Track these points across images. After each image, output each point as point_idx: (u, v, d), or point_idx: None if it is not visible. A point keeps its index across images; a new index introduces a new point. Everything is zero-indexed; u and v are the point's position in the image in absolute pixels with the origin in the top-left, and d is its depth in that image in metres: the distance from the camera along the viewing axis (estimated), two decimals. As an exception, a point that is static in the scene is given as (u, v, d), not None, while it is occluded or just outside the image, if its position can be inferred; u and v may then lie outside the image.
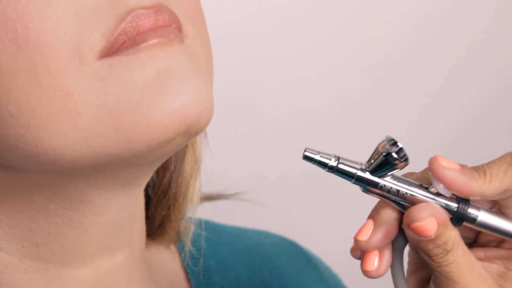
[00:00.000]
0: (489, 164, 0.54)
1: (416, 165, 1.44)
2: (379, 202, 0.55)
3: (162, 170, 0.66)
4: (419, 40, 1.36)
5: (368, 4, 1.32)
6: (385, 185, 0.53)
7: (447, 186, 0.53)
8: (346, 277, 0.81)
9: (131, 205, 0.58)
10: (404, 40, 1.35)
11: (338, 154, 0.54)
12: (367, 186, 0.53)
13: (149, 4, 0.50)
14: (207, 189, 0.72)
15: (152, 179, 0.67)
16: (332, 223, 1.25)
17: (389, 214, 0.54)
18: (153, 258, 0.68)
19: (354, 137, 1.35)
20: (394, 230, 0.54)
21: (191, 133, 0.50)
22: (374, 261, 0.54)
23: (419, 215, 0.52)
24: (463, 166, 0.53)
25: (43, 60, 0.48)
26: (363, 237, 0.54)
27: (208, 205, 0.73)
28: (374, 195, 0.54)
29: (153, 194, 0.67)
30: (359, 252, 0.55)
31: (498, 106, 1.44)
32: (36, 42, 0.48)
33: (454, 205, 0.53)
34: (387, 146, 0.52)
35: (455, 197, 0.53)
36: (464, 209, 0.53)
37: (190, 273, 0.71)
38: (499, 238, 0.55)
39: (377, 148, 0.53)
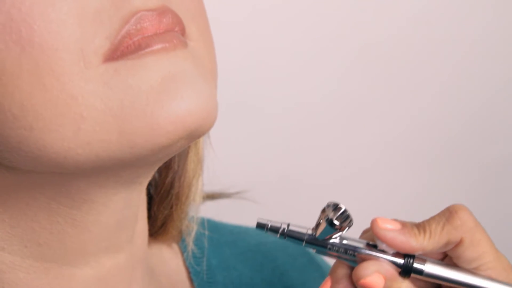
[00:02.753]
0: (429, 220, 0.57)
1: (416, 165, 1.44)
2: (336, 261, 0.59)
3: (165, 169, 0.66)
4: (419, 39, 1.36)
5: (368, 4, 1.32)
6: (333, 246, 0.57)
7: (389, 245, 0.56)
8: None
9: (133, 204, 0.58)
10: (404, 39, 1.35)
11: (287, 222, 0.58)
12: (317, 248, 0.58)
13: (153, 6, 0.49)
14: (209, 188, 0.72)
15: (154, 178, 0.67)
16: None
17: (343, 272, 0.57)
18: (155, 257, 0.68)
19: (355, 137, 1.35)
20: (349, 286, 0.57)
21: (194, 137, 0.51)
22: None
23: (364, 272, 0.56)
24: (403, 225, 0.57)
25: (48, 62, 0.47)
26: None
27: (210, 203, 0.73)
28: (328, 255, 0.58)
29: (156, 194, 0.67)
30: None
31: (499, 105, 1.43)
32: (40, 44, 0.47)
33: (400, 260, 0.57)
34: (329, 212, 0.56)
35: (401, 253, 0.57)
36: (409, 262, 0.57)
37: (192, 272, 0.71)
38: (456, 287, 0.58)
39: (321, 213, 0.57)
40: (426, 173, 1.41)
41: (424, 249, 0.56)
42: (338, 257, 0.58)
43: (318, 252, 0.58)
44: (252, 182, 0.82)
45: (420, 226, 0.57)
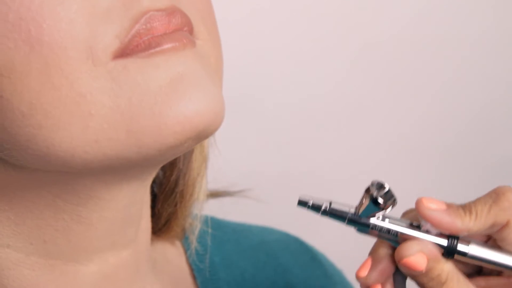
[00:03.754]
0: (475, 202, 0.57)
1: (419, 164, 1.44)
2: (377, 240, 0.59)
3: (170, 168, 0.66)
4: (422, 38, 1.36)
5: (370, 3, 1.32)
6: (376, 226, 0.57)
7: (434, 226, 0.56)
8: (350, 273, 0.81)
9: (138, 200, 0.58)
10: (407, 38, 1.35)
11: (330, 200, 0.58)
12: (359, 227, 0.57)
13: (162, 7, 0.49)
14: (212, 186, 0.72)
15: (159, 177, 0.67)
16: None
17: (385, 252, 0.58)
18: (158, 254, 0.69)
19: (356, 136, 1.35)
20: (390, 266, 0.58)
21: (201, 138, 0.51)
22: None
23: (407, 252, 0.56)
24: (449, 205, 0.57)
25: (56, 61, 0.47)
26: (363, 273, 0.58)
27: (213, 201, 0.73)
28: (369, 235, 0.58)
29: (160, 192, 0.67)
30: (365, 287, 0.59)
31: (502, 105, 1.43)
32: (49, 43, 0.47)
33: (444, 240, 0.57)
34: (373, 191, 0.56)
35: (446, 234, 0.57)
36: (453, 244, 0.57)
37: (195, 270, 0.71)
38: (499, 269, 0.58)
39: (365, 191, 0.56)
40: (429, 172, 1.41)
41: (470, 230, 0.56)
42: (379, 237, 0.57)
43: (359, 230, 0.57)
44: (255, 180, 0.82)
45: (466, 207, 0.56)
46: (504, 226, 0.56)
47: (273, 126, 1.29)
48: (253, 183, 0.76)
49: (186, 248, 0.72)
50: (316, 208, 0.57)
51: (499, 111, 1.44)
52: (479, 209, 0.56)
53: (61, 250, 0.56)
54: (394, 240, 0.57)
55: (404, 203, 1.41)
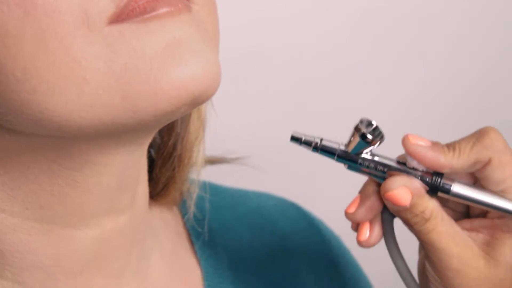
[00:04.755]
0: (459, 140, 0.59)
1: (418, 124, 1.44)
2: (367, 180, 0.60)
3: (168, 132, 0.66)
4: (423, 1, 1.35)
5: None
6: (364, 161, 0.59)
7: (418, 161, 0.58)
8: (347, 239, 0.81)
9: (134, 165, 0.58)
10: (407, 2, 1.35)
11: (321, 136, 0.60)
12: (348, 162, 0.59)
13: None
14: (210, 153, 0.72)
15: (157, 141, 0.67)
16: (333, 187, 1.25)
17: (372, 189, 0.59)
18: (155, 219, 0.69)
19: (356, 98, 1.35)
20: (378, 203, 0.60)
21: (197, 103, 0.51)
22: (365, 232, 0.60)
23: (391, 185, 0.57)
24: (434, 143, 0.58)
25: (51, 25, 0.47)
26: (351, 210, 0.60)
27: (210, 168, 0.73)
28: (358, 171, 0.60)
29: (158, 156, 0.67)
30: (355, 224, 0.61)
31: (502, 70, 1.43)
32: (43, 7, 0.47)
33: (428, 177, 0.58)
34: (362, 127, 0.57)
35: (430, 172, 0.58)
36: (437, 180, 0.58)
37: (192, 235, 0.71)
38: (483, 209, 0.60)
39: (354, 129, 0.58)
40: (430, 136, 1.41)
41: (453, 166, 0.57)
42: (368, 174, 0.59)
43: (349, 167, 0.59)
44: (253, 148, 0.82)
45: (450, 145, 0.58)
46: (486, 164, 0.57)
47: (272, 92, 1.29)
48: (251, 150, 0.76)
49: (184, 213, 0.72)
50: (307, 143, 0.59)
51: (501, 75, 1.43)
52: (462, 146, 0.58)
53: (57, 215, 0.56)
54: (382, 177, 0.59)
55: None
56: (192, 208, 0.71)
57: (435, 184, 0.58)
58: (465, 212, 0.62)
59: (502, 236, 0.59)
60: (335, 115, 1.33)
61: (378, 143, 0.58)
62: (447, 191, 0.58)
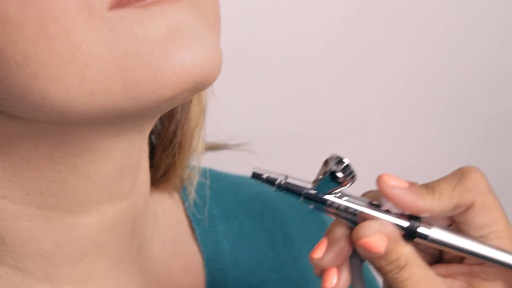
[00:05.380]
0: (439, 181, 0.54)
1: (420, 116, 1.44)
2: (334, 220, 0.55)
3: (168, 119, 0.66)
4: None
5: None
6: (333, 203, 0.53)
7: (395, 204, 0.53)
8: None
9: (135, 152, 0.57)
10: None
11: (285, 174, 0.54)
12: (316, 204, 0.54)
13: None
14: (211, 139, 0.72)
15: (157, 128, 0.66)
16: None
17: (342, 232, 0.54)
18: (156, 206, 0.69)
19: (353, 89, 1.34)
20: (347, 248, 0.54)
21: (198, 89, 0.50)
22: (332, 279, 0.54)
23: (366, 232, 0.52)
24: (411, 184, 0.54)
25: (52, 10, 0.47)
26: (317, 255, 0.54)
27: (211, 155, 0.73)
28: (326, 213, 0.54)
29: (158, 143, 0.67)
30: (320, 269, 0.55)
31: (505, 56, 1.43)
32: None
33: (405, 222, 0.53)
34: (332, 165, 0.52)
35: (406, 214, 0.54)
36: (414, 225, 0.53)
37: (193, 221, 0.71)
38: (461, 255, 0.55)
39: (323, 166, 0.53)
40: (429, 124, 1.41)
41: (432, 210, 0.53)
42: (337, 215, 0.54)
43: (316, 208, 0.54)
44: (254, 134, 0.82)
45: (429, 186, 0.54)
46: (468, 208, 0.54)
47: (274, 79, 1.29)
48: (252, 137, 0.76)
49: (184, 200, 0.72)
50: (270, 181, 0.54)
51: (502, 63, 1.43)
52: (442, 188, 0.53)
53: (58, 201, 0.56)
54: (352, 220, 0.53)
55: (403, 159, 1.42)
56: (192, 195, 0.71)
57: (412, 229, 0.53)
58: (438, 254, 0.57)
59: (480, 284, 0.55)
60: (334, 103, 1.33)
61: (349, 184, 0.52)
62: (425, 237, 0.53)
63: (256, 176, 0.54)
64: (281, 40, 1.28)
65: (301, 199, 0.54)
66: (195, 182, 0.70)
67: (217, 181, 0.75)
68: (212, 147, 0.74)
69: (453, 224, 0.56)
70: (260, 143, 0.78)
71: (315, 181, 0.53)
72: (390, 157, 1.33)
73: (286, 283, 0.73)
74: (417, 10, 1.35)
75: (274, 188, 0.54)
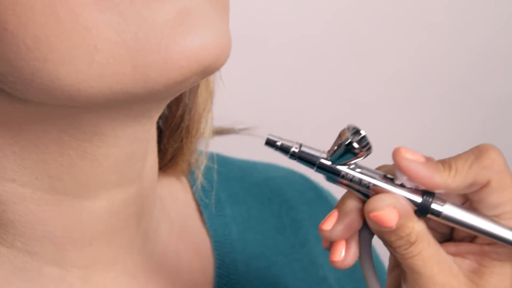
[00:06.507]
0: (456, 157, 0.53)
1: (423, 99, 1.43)
2: (345, 193, 0.54)
3: (175, 103, 0.66)
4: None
5: None
6: (347, 174, 0.52)
7: (410, 178, 0.52)
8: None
9: (144, 137, 0.57)
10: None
11: (300, 142, 0.53)
12: (329, 174, 0.53)
13: None
14: (218, 123, 0.72)
15: (164, 112, 0.66)
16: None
17: (353, 205, 0.53)
18: (164, 190, 0.69)
19: (359, 71, 1.34)
20: (357, 221, 0.53)
21: (207, 73, 0.50)
22: (340, 252, 0.53)
23: (378, 205, 0.52)
24: (428, 159, 0.53)
25: None
26: (327, 227, 0.53)
27: (218, 139, 0.73)
28: (339, 184, 0.53)
29: (166, 127, 0.67)
30: (328, 242, 0.54)
31: (505, 40, 1.43)
32: None
33: (418, 197, 0.52)
34: (348, 135, 0.51)
35: (420, 189, 0.53)
36: (428, 201, 0.52)
37: (201, 205, 0.71)
38: (473, 234, 0.55)
39: (339, 136, 0.52)
40: (432, 108, 1.41)
41: (448, 187, 0.52)
42: (350, 187, 0.53)
43: (329, 179, 0.53)
44: (261, 118, 0.82)
45: (446, 162, 0.53)
46: (484, 186, 0.53)
47: (281, 63, 1.29)
48: (259, 121, 0.76)
49: (192, 184, 0.72)
50: (284, 149, 0.53)
51: (507, 46, 1.43)
52: (459, 165, 0.52)
53: (67, 185, 0.56)
54: (365, 193, 0.52)
55: (406, 141, 1.42)
56: (200, 179, 0.71)
57: (425, 205, 0.52)
58: (448, 233, 0.57)
59: (491, 264, 0.54)
60: (340, 86, 1.33)
61: (365, 155, 0.51)
62: (437, 214, 0.52)
63: (270, 143, 0.53)
64: (288, 23, 1.28)
65: (315, 169, 0.53)
66: (202, 167, 0.71)
67: (224, 165, 0.75)
68: (220, 132, 0.74)
69: (467, 202, 0.55)
70: (267, 127, 0.78)
71: (329, 151, 0.52)
72: (393, 142, 1.33)
73: (294, 266, 0.74)
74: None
75: (287, 156, 0.53)
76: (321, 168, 0.52)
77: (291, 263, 0.74)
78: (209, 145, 0.70)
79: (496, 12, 1.40)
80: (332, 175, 0.52)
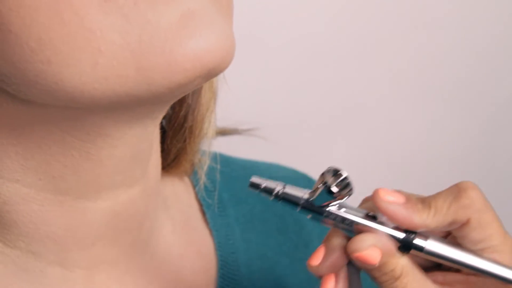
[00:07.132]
0: (435, 196, 0.55)
1: (420, 104, 1.43)
2: (331, 229, 0.56)
3: (179, 103, 0.66)
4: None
5: None
6: (330, 214, 0.54)
7: (389, 220, 0.54)
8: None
9: (147, 138, 0.58)
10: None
11: (284, 183, 0.55)
12: (313, 214, 0.54)
13: None
14: (221, 124, 0.72)
15: (168, 112, 0.66)
16: (344, 157, 1.25)
17: (338, 242, 0.55)
18: (167, 190, 0.69)
19: (361, 71, 1.34)
20: (343, 258, 0.55)
21: (211, 75, 0.50)
22: (330, 285, 0.55)
23: (360, 245, 0.53)
24: (408, 198, 0.54)
25: None
26: (314, 263, 0.55)
27: (221, 139, 0.73)
28: (323, 223, 0.55)
29: (169, 128, 0.67)
30: (318, 277, 0.56)
31: (507, 39, 1.42)
32: None
33: (401, 233, 0.54)
34: (328, 178, 0.52)
35: (402, 227, 0.54)
36: (410, 237, 0.54)
37: (204, 205, 0.71)
38: (457, 267, 0.55)
39: (320, 176, 0.53)
40: (432, 109, 1.41)
41: (427, 226, 0.53)
42: (334, 226, 0.54)
43: (313, 218, 0.54)
44: (264, 119, 0.82)
45: (426, 202, 0.54)
46: (464, 224, 0.54)
47: (284, 64, 1.29)
48: (262, 121, 0.76)
49: (195, 184, 0.72)
50: (268, 191, 0.55)
51: (506, 46, 1.43)
52: (438, 205, 0.54)
53: (70, 186, 0.56)
54: (349, 230, 0.54)
55: (407, 142, 1.42)
56: (203, 179, 0.71)
57: (407, 241, 0.53)
58: (437, 264, 0.58)
59: None
60: (342, 86, 1.33)
61: (346, 197, 0.53)
62: (420, 249, 0.53)
63: (253, 185, 0.55)
64: (291, 24, 1.28)
65: (298, 209, 0.54)
66: (205, 167, 0.71)
67: (227, 166, 0.75)
68: (223, 132, 0.74)
69: (450, 235, 0.56)
70: (270, 128, 0.78)
71: (312, 192, 0.54)
72: (394, 142, 1.33)
73: (297, 267, 0.74)
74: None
75: (271, 198, 0.55)
76: (304, 208, 0.54)
77: (294, 263, 0.74)
78: (213, 145, 0.70)
79: (498, 11, 1.40)
80: (316, 214, 0.54)
